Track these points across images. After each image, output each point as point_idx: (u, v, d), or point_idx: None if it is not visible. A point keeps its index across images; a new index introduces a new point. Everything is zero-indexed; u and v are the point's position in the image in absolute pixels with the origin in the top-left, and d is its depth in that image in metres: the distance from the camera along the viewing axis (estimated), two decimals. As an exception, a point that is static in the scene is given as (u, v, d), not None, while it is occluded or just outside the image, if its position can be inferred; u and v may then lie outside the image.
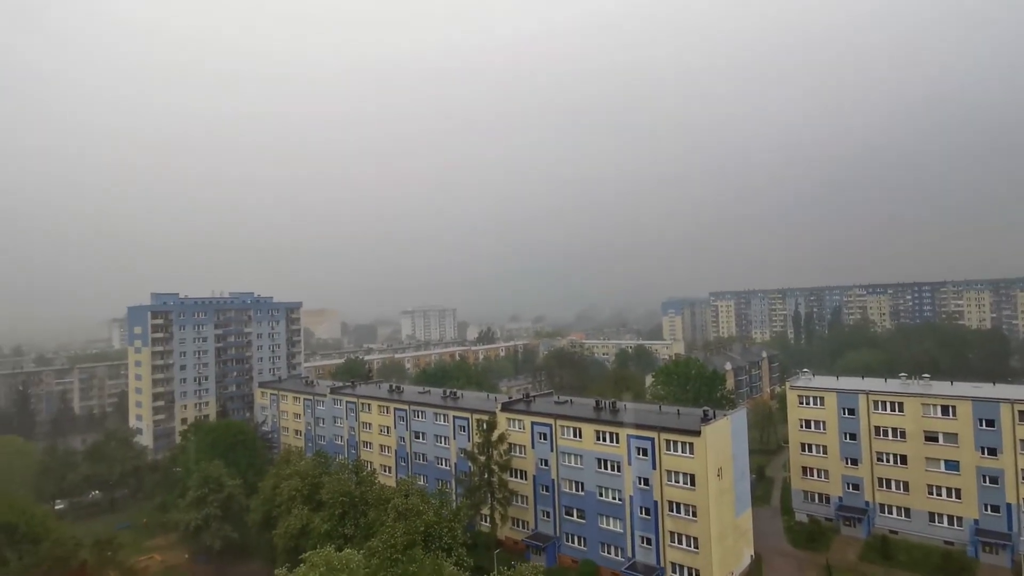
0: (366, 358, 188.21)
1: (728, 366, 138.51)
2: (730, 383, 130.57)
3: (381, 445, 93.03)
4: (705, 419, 60.06)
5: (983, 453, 63.88)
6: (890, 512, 70.17)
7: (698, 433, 57.38)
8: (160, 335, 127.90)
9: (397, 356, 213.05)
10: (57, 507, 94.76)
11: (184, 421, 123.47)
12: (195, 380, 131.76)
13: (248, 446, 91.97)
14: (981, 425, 64.12)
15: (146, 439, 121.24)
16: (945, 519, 66.24)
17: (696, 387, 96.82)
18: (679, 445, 58.83)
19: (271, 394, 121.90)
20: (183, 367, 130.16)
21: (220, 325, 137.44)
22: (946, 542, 65.58)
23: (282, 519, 63.88)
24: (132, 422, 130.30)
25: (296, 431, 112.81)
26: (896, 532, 68.99)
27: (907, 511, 68.90)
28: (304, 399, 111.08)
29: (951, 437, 66.05)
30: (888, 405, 70.64)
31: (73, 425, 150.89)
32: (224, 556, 74.84)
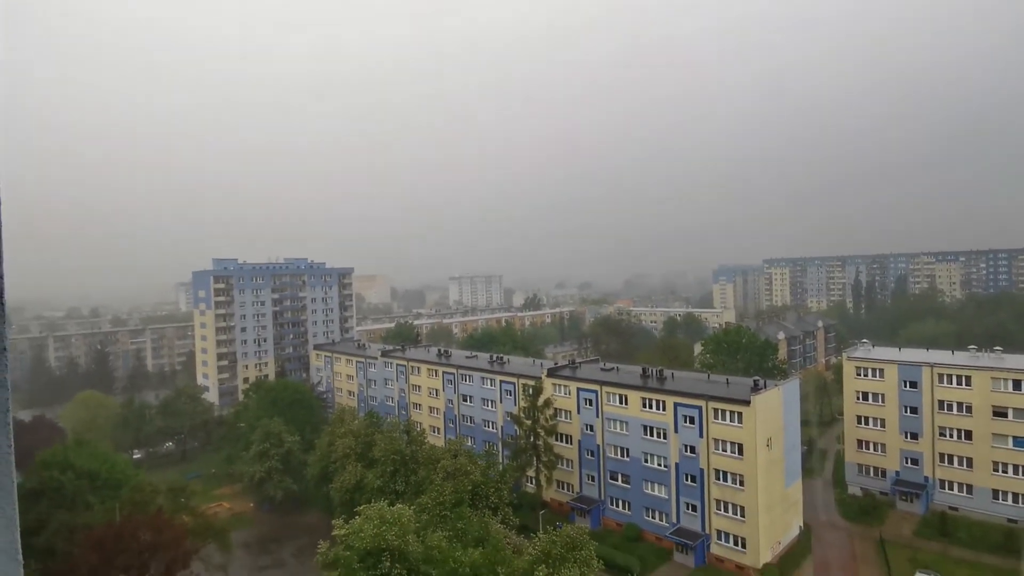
0: (415, 323, 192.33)
1: (781, 335, 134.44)
2: (782, 353, 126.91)
3: (430, 407, 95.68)
4: (755, 389, 58.85)
5: (1058, 431, 60.30)
6: (950, 488, 67.53)
7: (747, 403, 56.35)
8: (222, 299, 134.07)
9: (445, 321, 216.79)
10: (135, 457, 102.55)
11: (246, 380, 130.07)
12: (255, 342, 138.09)
13: (305, 405, 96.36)
14: (1057, 401, 60.36)
15: (212, 396, 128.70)
16: (1010, 496, 63.28)
17: (746, 356, 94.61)
18: (727, 414, 58.00)
19: (325, 356, 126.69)
20: (244, 329, 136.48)
21: (276, 290, 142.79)
22: (1009, 520, 62.78)
23: (338, 474, 67.09)
24: (199, 380, 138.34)
25: (349, 392, 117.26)
26: (956, 509, 66.48)
27: (969, 487, 66.14)
28: (356, 361, 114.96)
29: (1022, 413, 62.50)
30: (954, 379, 67.24)
31: (147, 382, 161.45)
32: (285, 506, 79.62)
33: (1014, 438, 62.98)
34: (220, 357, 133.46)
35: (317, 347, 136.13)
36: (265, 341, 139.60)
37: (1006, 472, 63.59)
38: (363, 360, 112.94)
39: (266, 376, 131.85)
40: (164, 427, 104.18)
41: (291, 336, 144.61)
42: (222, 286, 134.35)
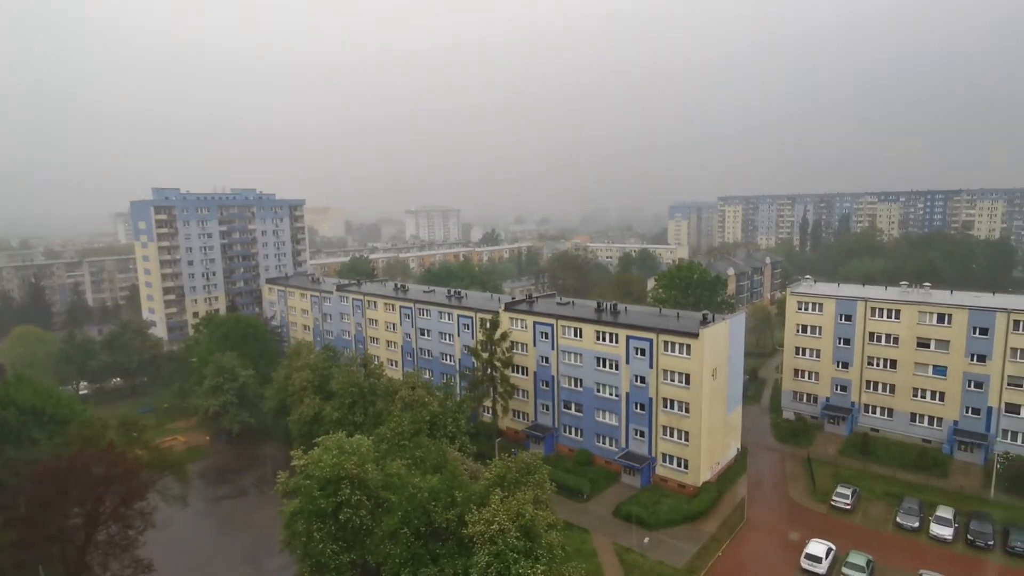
0: (371, 257, 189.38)
1: (731, 271, 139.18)
2: (732, 288, 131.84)
3: (387, 341, 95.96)
4: (704, 322, 61.25)
5: (972, 360, 65.65)
6: (873, 412, 73.48)
7: (696, 335, 58.76)
8: (165, 230, 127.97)
9: (402, 256, 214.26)
10: (81, 392, 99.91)
11: (195, 315, 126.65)
12: (203, 276, 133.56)
13: (259, 339, 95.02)
14: (974, 333, 65.36)
15: (160, 331, 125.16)
16: (926, 420, 69.43)
17: (697, 292, 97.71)
18: (677, 346, 60.48)
19: (278, 290, 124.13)
20: (190, 262, 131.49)
21: (224, 221, 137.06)
22: (924, 440, 69.20)
23: (295, 407, 67.34)
24: (145, 315, 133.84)
25: (304, 326, 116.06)
26: (877, 431, 72.64)
27: (890, 411, 72.11)
28: (311, 296, 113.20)
29: (943, 344, 67.59)
30: (885, 312, 71.70)
31: (88, 316, 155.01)
32: (242, 438, 79.97)
33: (934, 367, 68.34)
34: (166, 291, 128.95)
35: (270, 281, 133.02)
36: (214, 275, 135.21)
37: (924, 398, 69.38)
38: (318, 294, 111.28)
39: (217, 310, 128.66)
40: (110, 362, 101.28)
41: (242, 270, 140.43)
42: (164, 217, 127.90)
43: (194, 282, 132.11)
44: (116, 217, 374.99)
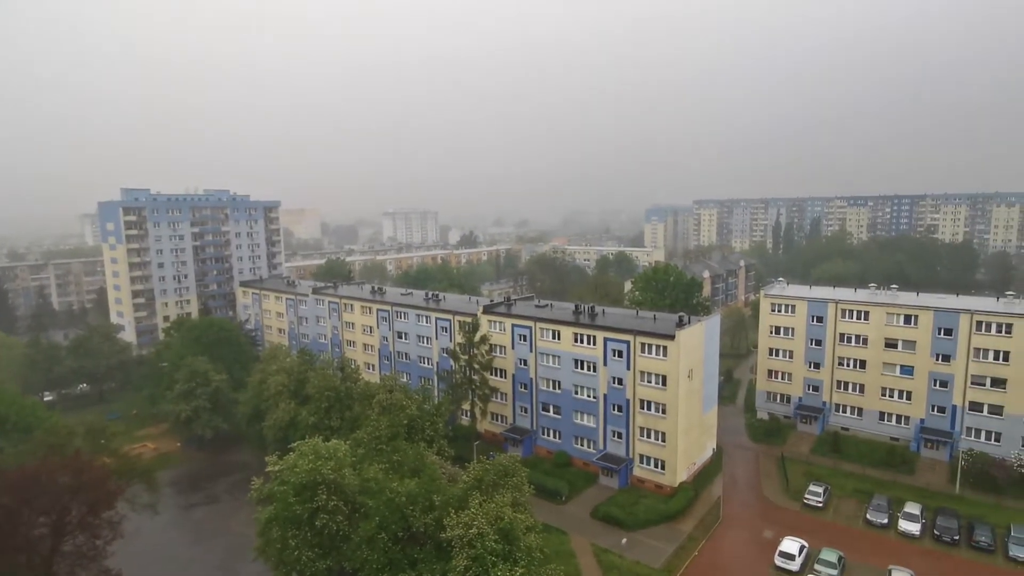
0: (348, 259, 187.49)
1: (706, 274, 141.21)
2: (707, 290, 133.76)
3: (364, 344, 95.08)
4: (680, 324, 62.00)
5: (937, 359, 67.64)
6: (844, 411, 75.16)
7: (672, 337, 59.44)
8: (135, 232, 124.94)
9: (379, 258, 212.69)
10: (46, 399, 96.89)
11: (166, 318, 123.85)
12: (174, 278, 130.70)
13: (232, 343, 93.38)
14: (939, 333, 67.34)
15: (129, 335, 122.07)
16: (894, 418, 71.27)
17: (673, 294, 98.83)
18: (654, 348, 61.10)
19: (253, 293, 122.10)
20: (161, 265, 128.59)
21: (196, 223, 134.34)
22: (892, 438, 70.99)
23: (270, 412, 66.29)
24: (113, 318, 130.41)
25: (279, 329, 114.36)
26: (847, 429, 74.31)
27: (860, 410, 73.86)
28: (287, 299, 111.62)
29: (910, 344, 69.51)
30: (855, 313, 73.44)
31: (53, 320, 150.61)
32: (215, 444, 78.39)
33: (901, 366, 70.22)
34: (136, 294, 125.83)
35: (244, 284, 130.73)
36: (186, 277, 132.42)
37: (892, 397, 71.23)
38: (293, 297, 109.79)
39: (188, 314, 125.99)
40: (77, 368, 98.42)
41: (215, 272, 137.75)
42: (134, 218, 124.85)
43: (165, 285, 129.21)
44: (83, 218, 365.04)
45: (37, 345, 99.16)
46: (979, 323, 64.89)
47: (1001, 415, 63.81)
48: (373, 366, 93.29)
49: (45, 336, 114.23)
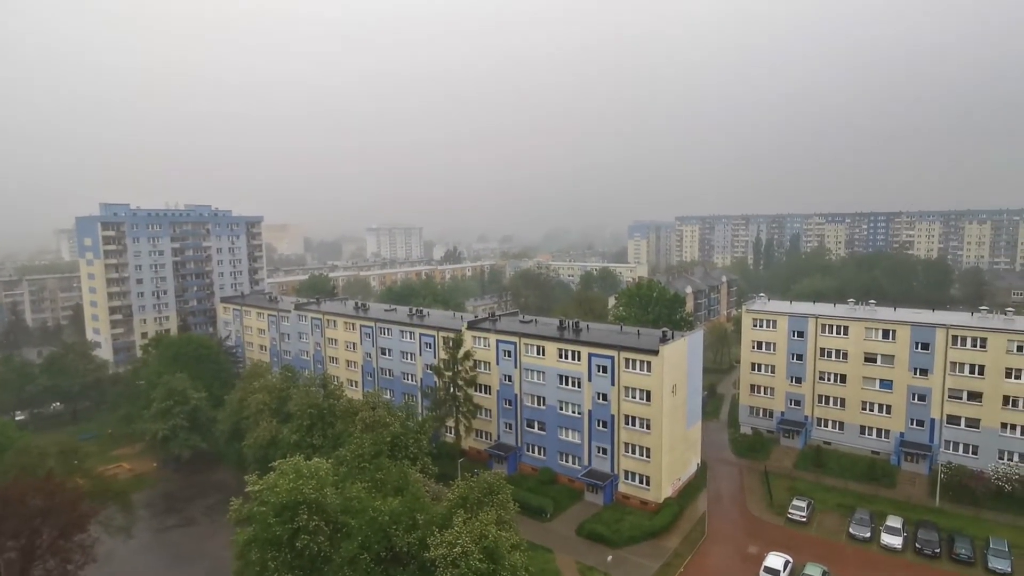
0: (331, 275, 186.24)
1: (689, 289, 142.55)
2: (690, 306, 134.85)
3: (347, 361, 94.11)
4: (663, 340, 62.36)
5: (915, 373, 68.76)
6: (826, 425, 75.88)
7: (656, 352, 59.75)
8: (113, 247, 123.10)
9: (362, 274, 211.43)
10: (17, 418, 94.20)
11: (144, 335, 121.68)
12: (153, 294, 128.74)
13: (212, 360, 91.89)
14: (917, 348, 68.56)
15: (105, 352, 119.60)
16: (874, 432, 72.09)
17: (657, 309, 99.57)
18: (638, 363, 61.32)
19: (234, 309, 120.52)
20: (140, 280, 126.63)
21: (177, 238, 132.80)
22: (873, 452, 71.75)
23: (251, 430, 65.12)
24: (89, 335, 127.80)
25: (261, 346, 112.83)
26: (829, 443, 74.95)
27: (841, 424, 74.61)
28: (268, 315, 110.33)
29: (888, 359, 70.61)
30: (834, 328, 74.52)
31: (27, 337, 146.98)
32: (193, 464, 76.65)
33: (880, 380, 71.25)
34: (113, 311, 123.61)
35: (224, 300, 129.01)
36: (165, 293, 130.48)
37: (872, 410, 72.13)
38: (275, 313, 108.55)
39: (167, 331, 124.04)
40: (51, 386, 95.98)
41: (195, 288, 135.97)
42: (112, 233, 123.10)
43: (143, 301, 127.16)
44: (59, 233, 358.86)
45: (9, 363, 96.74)
46: (955, 337, 66.21)
47: (978, 428, 64.92)
48: (356, 383, 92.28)
49: (18, 353, 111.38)
